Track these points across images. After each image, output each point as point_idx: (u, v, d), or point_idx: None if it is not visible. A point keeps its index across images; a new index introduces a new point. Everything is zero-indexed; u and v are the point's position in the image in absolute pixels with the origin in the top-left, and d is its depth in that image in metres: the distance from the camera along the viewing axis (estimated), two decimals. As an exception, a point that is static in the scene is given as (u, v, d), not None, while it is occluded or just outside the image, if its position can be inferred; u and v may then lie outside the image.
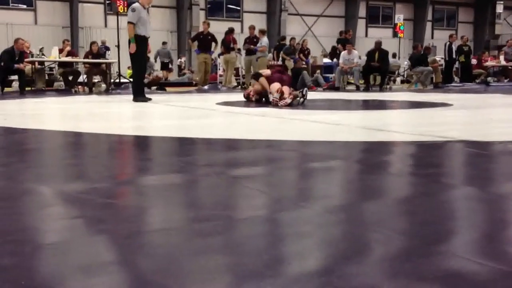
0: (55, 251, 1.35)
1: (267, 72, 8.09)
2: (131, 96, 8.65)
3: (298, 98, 7.31)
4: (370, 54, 13.69)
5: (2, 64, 11.34)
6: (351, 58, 13.72)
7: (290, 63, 14.81)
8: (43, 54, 13.38)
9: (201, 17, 26.35)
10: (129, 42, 8.29)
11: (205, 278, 1.15)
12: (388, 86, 14.03)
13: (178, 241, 1.42)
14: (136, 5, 8.30)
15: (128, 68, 20.80)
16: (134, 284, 1.12)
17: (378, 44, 13.66)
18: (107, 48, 19.03)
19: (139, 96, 8.42)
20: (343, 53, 14.05)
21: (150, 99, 8.44)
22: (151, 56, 15.15)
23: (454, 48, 15.76)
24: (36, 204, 1.89)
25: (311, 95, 8.40)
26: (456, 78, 16.55)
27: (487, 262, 1.22)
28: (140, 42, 8.24)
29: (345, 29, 18.20)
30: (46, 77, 13.81)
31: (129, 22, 8.17)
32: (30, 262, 1.27)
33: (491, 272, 1.17)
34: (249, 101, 7.95)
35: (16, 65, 11.41)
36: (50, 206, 1.83)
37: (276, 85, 7.46)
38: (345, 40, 15.24)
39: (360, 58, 14.17)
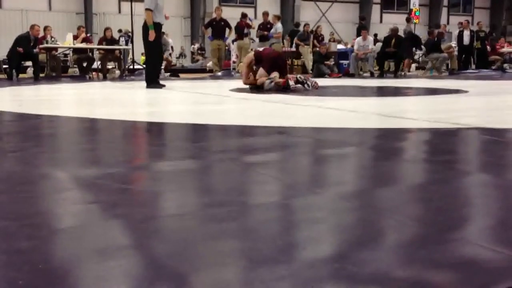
0: (71, 235, 1.36)
1: (249, 57, 7.85)
2: (145, 83, 8.65)
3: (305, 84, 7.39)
4: (386, 41, 13.57)
5: (18, 48, 11.41)
6: (365, 44, 13.61)
7: (304, 49, 14.75)
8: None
9: (215, 3, 26.22)
10: (144, 28, 8.26)
11: (219, 263, 1.15)
12: (402, 73, 13.91)
13: (193, 226, 1.43)
14: None
15: (142, 54, 20.82)
16: (149, 268, 1.14)
17: (395, 30, 13.54)
18: (130, 37, 18.92)
19: (154, 83, 8.42)
20: (358, 39, 13.95)
21: (164, 85, 8.44)
22: None
23: (467, 34, 15.55)
24: (52, 188, 1.91)
25: (326, 82, 8.35)
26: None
27: (502, 249, 1.21)
28: (156, 29, 8.21)
29: (359, 15, 18.04)
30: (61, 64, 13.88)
31: (147, 9, 8.12)
32: (47, 245, 1.29)
33: (506, 260, 1.16)
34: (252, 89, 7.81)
35: (35, 50, 11.51)
36: (66, 190, 1.85)
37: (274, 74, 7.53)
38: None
39: (375, 44, 14.07)
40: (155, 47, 8.41)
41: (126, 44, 15.43)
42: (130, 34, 18.55)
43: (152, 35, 8.09)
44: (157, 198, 1.76)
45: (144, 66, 13.86)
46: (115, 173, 2.11)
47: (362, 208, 1.61)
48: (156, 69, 8.82)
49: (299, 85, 7.59)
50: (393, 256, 1.19)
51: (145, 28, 8.21)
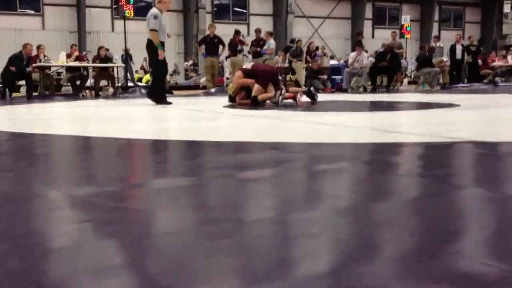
0: (64, 254, 1.35)
1: (258, 89, 7.78)
2: (139, 100, 8.69)
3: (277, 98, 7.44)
4: (380, 56, 13.66)
5: (11, 68, 11.41)
6: (360, 59, 13.71)
7: (296, 65, 14.83)
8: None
9: (208, 20, 26.38)
10: (149, 48, 8.35)
11: (214, 280, 1.15)
12: (395, 87, 14.00)
13: (188, 244, 1.42)
14: (156, 11, 8.31)
15: (136, 72, 20.89)
16: (144, 286, 1.13)
17: (391, 47, 13.66)
18: (129, 56, 19.07)
19: (161, 100, 8.48)
20: (352, 54, 14.07)
21: (170, 103, 8.47)
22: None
23: (459, 48, 15.72)
24: (45, 208, 1.90)
25: (320, 97, 8.39)
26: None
27: (496, 263, 1.21)
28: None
29: (352, 31, 18.24)
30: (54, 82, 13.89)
31: (152, 30, 8.22)
32: (39, 265, 1.28)
33: (501, 274, 1.16)
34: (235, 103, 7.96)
35: (28, 69, 11.52)
36: (59, 210, 1.84)
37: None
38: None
39: (368, 58, 14.18)
40: (162, 66, 8.52)
41: (127, 62, 15.54)
42: (129, 52, 18.69)
43: (161, 54, 8.23)
44: (152, 216, 1.75)
45: (139, 83, 13.92)
46: (109, 191, 2.10)
47: (357, 222, 1.61)
48: (163, 86, 8.91)
49: (308, 98, 7.75)
50: (388, 270, 1.19)
51: (150, 48, 8.31)
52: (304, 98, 7.90)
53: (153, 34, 8.22)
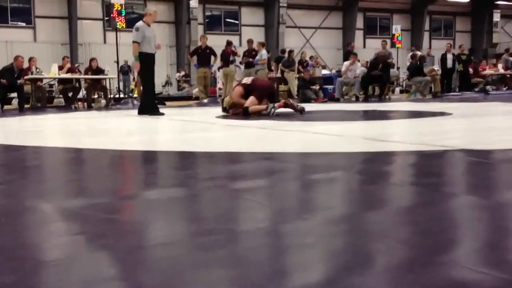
0: (56, 267, 1.34)
1: (252, 101, 7.89)
2: (131, 111, 8.68)
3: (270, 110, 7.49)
4: (373, 65, 13.74)
5: (3, 80, 11.37)
6: (353, 69, 13.78)
7: (289, 75, 14.88)
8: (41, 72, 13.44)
9: (200, 31, 26.47)
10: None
11: (208, 292, 1.14)
12: (387, 96, 14.06)
13: (180, 255, 1.42)
14: (140, 24, 8.47)
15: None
16: (137, 299, 1.12)
17: (382, 57, 13.74)
18: (129, 67, 19.17)
19: (152, 110, 8.49)
20: (346, 63, 14.14)
21: (163, 113, 8.51)
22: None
23: (450, 57, 15.84)
24: (37, 220, 1.89)
25: (312, 107, 8.42)
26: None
27: (490, 271, 1.21)
28: (147, 59, 8.36)
29: (343, 41, 18.34)
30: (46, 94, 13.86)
31: (134, 42, 8.30)
32: (31, 279, 1.27)
33: (494, 281, 1.16)
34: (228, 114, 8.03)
35: (19, 81, 11.50)
36: (51, 222, 1.83)
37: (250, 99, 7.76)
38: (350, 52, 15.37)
39: (360, 67, 14.27)
40: (148, 77, 8.55)
41: (127, 73, 15.57)
42: (129, 65, 18.75)
43: (137, 66, 8.36)
44: (144, 228, 1.74)
45: (131, 95, 13.95)
46: (101, 203, 2.09)
47: (350, 232, 1.61)
48: (150, 97, 8.91)
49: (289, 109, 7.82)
50: (381, 281, 1.19)
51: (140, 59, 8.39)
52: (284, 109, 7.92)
53: (133, 46, 8.34)
